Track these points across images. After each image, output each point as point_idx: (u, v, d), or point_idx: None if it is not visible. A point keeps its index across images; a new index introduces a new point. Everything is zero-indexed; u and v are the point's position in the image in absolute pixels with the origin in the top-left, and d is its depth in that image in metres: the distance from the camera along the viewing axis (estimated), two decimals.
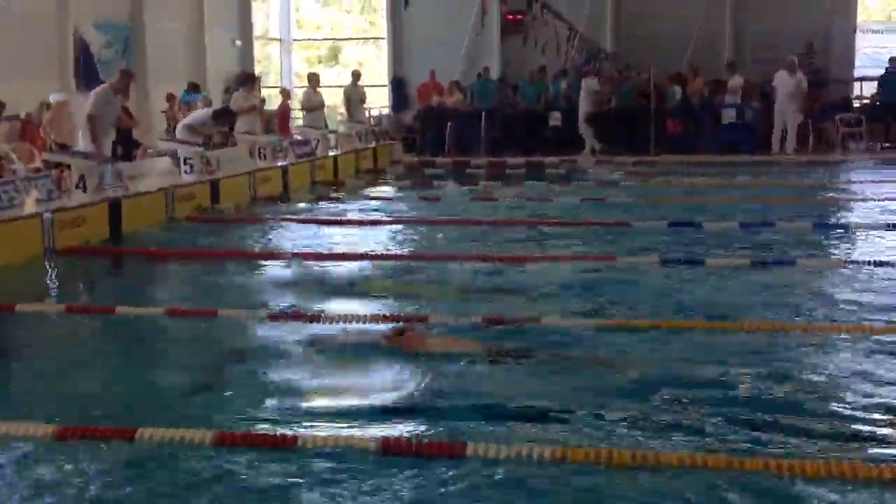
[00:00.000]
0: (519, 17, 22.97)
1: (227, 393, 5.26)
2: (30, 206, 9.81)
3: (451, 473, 4.08)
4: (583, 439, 4.42)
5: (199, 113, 14.25)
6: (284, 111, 20.84)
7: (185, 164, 13.10)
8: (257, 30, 26.34)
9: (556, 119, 21.35)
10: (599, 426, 4.60)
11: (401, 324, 6.22)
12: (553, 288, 7.85)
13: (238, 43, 24.84)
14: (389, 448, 4.27)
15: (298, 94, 27.05)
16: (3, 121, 13.27)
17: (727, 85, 21.01)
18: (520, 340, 6.14)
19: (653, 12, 24.26)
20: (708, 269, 8.34)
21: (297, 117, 21.45)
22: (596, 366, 5.64)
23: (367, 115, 22.35)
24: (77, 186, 10.82)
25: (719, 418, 4.64)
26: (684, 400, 4.91)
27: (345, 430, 4.57)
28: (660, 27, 23.99)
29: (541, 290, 7.78)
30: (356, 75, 20.68)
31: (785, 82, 19.67)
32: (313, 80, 19.06)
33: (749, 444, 4.33)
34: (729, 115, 20.83)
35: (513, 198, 14.02)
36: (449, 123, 21.77)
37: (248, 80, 16.77)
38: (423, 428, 4.64)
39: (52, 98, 14.45)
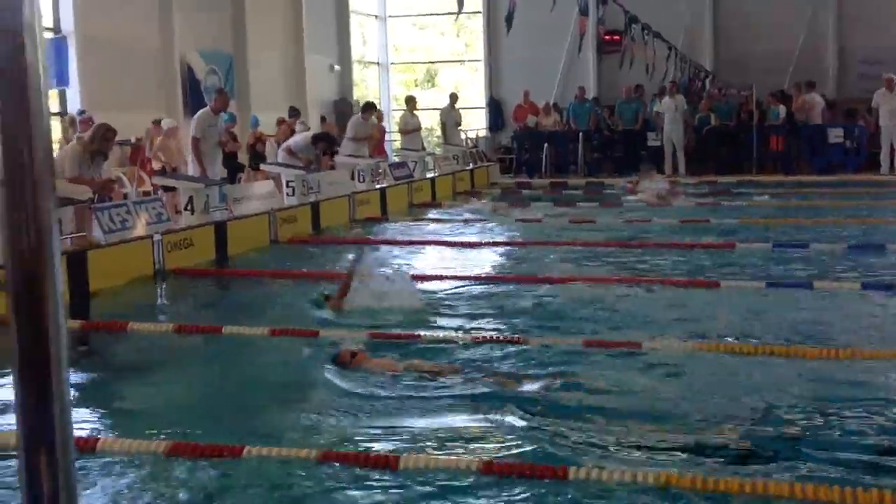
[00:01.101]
0: (616, 37, 22.82)
1: (330, 411, 5.32)
2: (141, 229, 10.15)
3: (553, 496, 4.05)
4: (687, 466, 4.34)
5: (300, 137, 14.57)
6: (380, 134, 21.14)
7: (287, 186, 13.38)
8: (355, 54, 26.82)
9: (654, 139, 21.12)
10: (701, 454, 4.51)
11: (355, 347, 6.20)
12: (653, 312, 7.73)
13: (337, 68, 25.33)
14: (492, 469, 4.27)
15: (396, 117, 27.48)
16: (115, 146, 13.77)
17: (800, 103, 20.49)
18: (617, 365, 6.07)
19: (753, 30, 23.90)
20: (816, 293, 8.11)
21: (395, 140, 21.69)
22: (702, 393, 5.52)
23: (463, 137, 22.48)
24: (185, 209, 11.15)
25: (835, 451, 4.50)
26: (788, 429, 4.78)
27: (446, 451, 4.58)
28: (761, 45, 23.60)
29: (640, 314, 7.67)
30: (453, 98, 20.81)
31: (886, 100, 19.06)
32: (411, 103, 19.27)
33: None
34: (835, 134, 20.28)
35: (610, 219, 13.89)
36: (545, 144, 21.75)
37: (369, 108, 17.06)
38: (524, 449, 4.62)
39: (164, 124, 14.96)
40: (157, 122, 14.96)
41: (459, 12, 15.38)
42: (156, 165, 14.01)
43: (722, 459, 4.43)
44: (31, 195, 1.39)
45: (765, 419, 4.93)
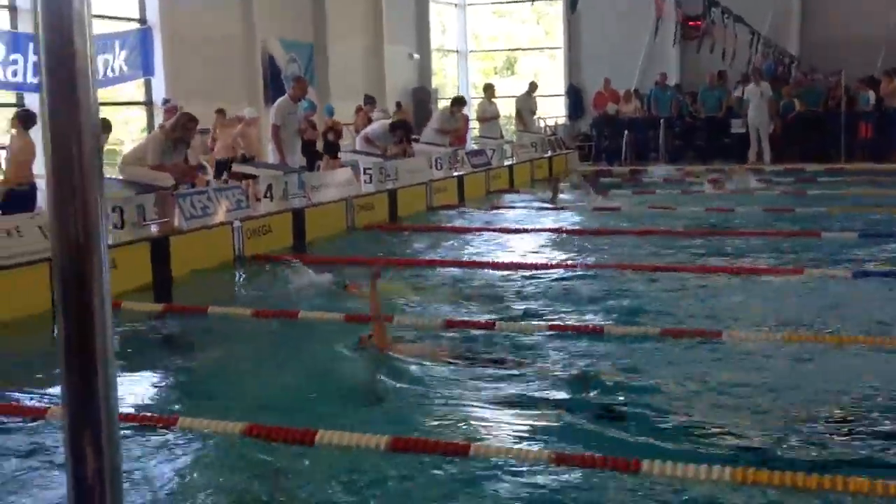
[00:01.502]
0: (698, 22, 22.35)
1: (404, 398, 5.33)
2: (221, 215, 10.31)
3: (625, 489, 3.99)
4: (766, 462, 4.22)
5: (377, 125, 14.62)
6: (464, 127, 21.08)
7: (364, 174, 13.45)
8: (434, 42, 26.81)
9: (738, 126, 20.65)
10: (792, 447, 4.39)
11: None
12: (737, 301, 7.57)
13: (416, 56, 25.36)
14: (561, 459, 4.22)
15: (474, 105, 27.43)
16: (197, 134, 14.02)
17: (890, 89, 19.75)
18: (696, 356, 5.95)
19: (842, 14, 23.15)
20: None
21: (474, 128, 21.65)
22: (785, 385, 5.38)
23: (540, 124, 22.30)
24: (265, 196, 11.29)
25: None
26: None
27: (516, 439, 4.55)
28: (850, 29, 22.85)
29: (723, 302, 7.52)
30: (532, 87, 20.60)
31: None
32: (489, 90, 19.16)
33: None
34: None
35: (692, 207, 13.64)
36: (626, 131, 21.46)
37: (458, 102, 17.10)
38: (596, 440, 4.56)
39: (246, 112, 15.17)
40: (221, 112, 15.15)
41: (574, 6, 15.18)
42: (222, 154, 14.22)
43: (803, 455, 4.30)
44: (79, 187, 1.39)
45: (848, 413, 4.78)
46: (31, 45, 13.57)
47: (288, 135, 12.12)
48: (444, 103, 22.36)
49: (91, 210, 1.41)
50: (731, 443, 4.49)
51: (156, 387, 5.70)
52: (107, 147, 13.13)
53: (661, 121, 21.26)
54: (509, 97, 23.94)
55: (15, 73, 13.60)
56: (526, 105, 20.33)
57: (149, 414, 5.00)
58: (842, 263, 8.77)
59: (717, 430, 4.65)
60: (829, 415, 4.77)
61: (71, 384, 1.41)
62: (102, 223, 1.43)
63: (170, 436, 4.67)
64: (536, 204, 14.90)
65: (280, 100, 12.51)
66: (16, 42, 13.64)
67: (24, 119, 11.17)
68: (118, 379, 4.80)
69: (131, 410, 5.05)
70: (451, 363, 5.85)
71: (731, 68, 21.47)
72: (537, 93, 20.82)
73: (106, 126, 13.06)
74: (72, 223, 1.40)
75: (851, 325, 6.62)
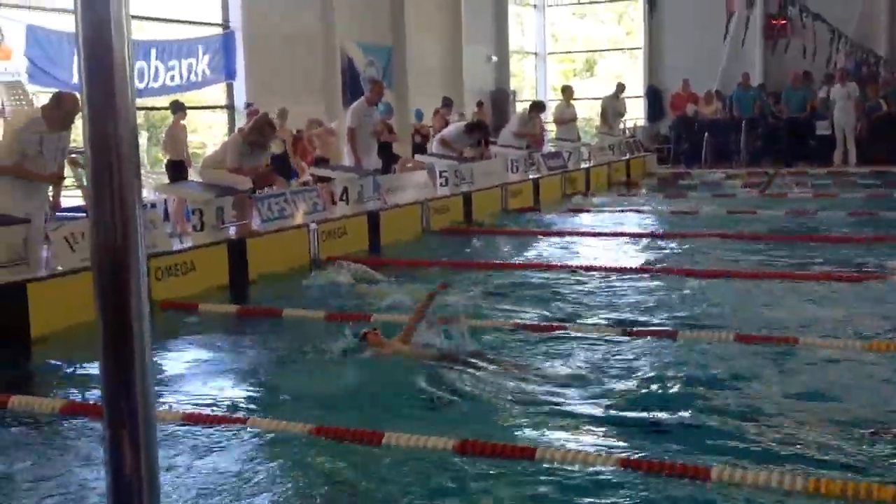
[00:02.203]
0: (782, 21, 21.89)
1: (471, 402, 5.33)
2: (298, 218, 10.47)
3: (695, 496, 3.94)
4: (841, 472, 4.13)
5: (453, 127, 14.67)
6: (541, 131, 21.01)
7: (440, 177, 13.51)
8: (513, 44, 26.78)
9: (823, 127, 20.14)
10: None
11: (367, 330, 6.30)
12: (815, 307, 7.40)
13: (494, 58, 25.37)
14: (628, 465, 4.19)
15: (552, 108, 27.35)
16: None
17: None
18: (772, 362, 5.84)
19: None
20: None
21: (551, 130, 21.55)
22: (862, 394, 5.25)
23: (622, 126, 22.09)
24: (340, 199, 11.43)
25: None
26: None
27: (583, 444, 4.53)
28: None
29: (801, 309, 7.36)
30: (620, 88, 20.32)
31: None
32: (567, 92, 19.01)
33: None
34: None
35: (772, 210, 13.36)
36: (706, 134, 21.12)
37: (537, 107, 17.11)
38: (666, 446, 4.51)
39: (334, 125, 15.35)
40: (316, 122, 15.32)
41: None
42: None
43: (878, 465, 4.19)
44: (118, 192, 1.43)
45: None
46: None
47: (363, 138, 12.22)
48: (522, 106, 22.33)
49: (129, 215, 1.45)
50: (806, 452, 4.39)
51: (229, 387, 5.80)
52: (191, 150, 13.48)
53: (743, 122, 20.87)
54: (589, 99, 23.78)
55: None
56: (612, 106, 20.05)
57: (221, 414, 5.11)
58: None
59: (791, 438, 4.56)
60: None
61: (110, 386, 1.45)
62: (140, 228, 1.47)
63: (242, 435, 4.77)
64: (612, 207, 14.76)
65: (356, 103, 12.63)
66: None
67: (173, 108, 13.40)
68: (193, 379, 4.92)
69: (205, 410, 5.17)
70: (520, 365, 5.85)
71: (814, 67, 20.96)
72: (623, 95, 20.53)
73: (179, 106, 13.46)
74: (110, 227, 1.44)
75: None
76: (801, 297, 7.79)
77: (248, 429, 4.82)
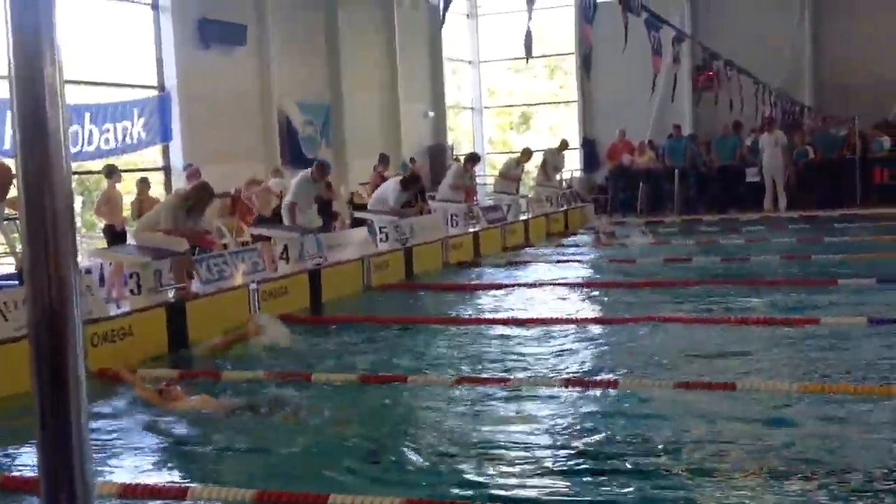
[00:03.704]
0: (710, 73, 22.54)
1: (416, 458, 5.32)
2: (238, 278, 10.40)
3: None
4: None
5: (389, 183, 14.74)
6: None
7: (380, 232, 13.54)
8: (449, 100, 27.11)
9: (753, 175, 20.66)
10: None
11: (163, 383, 6.70)
12: (751, 350, 7.55)
13: (431, 114, 25.64)
14: None
15: (491, 160, 27.65)
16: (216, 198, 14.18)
17: None
18: (711, 408, 5.93)
19: (854, 61, 23.30)
20: None
21: (489, 183, 21.77)
22: (803, 437, 5.35)
23: (559, 176, 22.43)
24: (281, 258, 11.39)
25: None
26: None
27: (532, 494, 4.54)
28: (862, 75, 22.98)
29: (737, 352, 7.50)
30: (564, 144, 20.78)
31: None
32: (525, 155, 19.23)
33: None
34: None
35: (706, 257, 13.62)
36: (640, 183, 21.52)
37: (473, 159, 17.30)
38: (609, 494, 4.55)
39: (272, 185, 15.30)
40: (255, 181, 15.28)
41: (529, 54, 15.46)
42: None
43: None
44: (53, 257, 1.44)
45: (864, 465, 4.73)
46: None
47: (303, 209, 12.27)
48: (460, 160, 22.55)
49: (65, 282, 1.45)
50: (746, 497, 4.45)
51: (168, 455, 5.71)
52: (127, 213, 13.32)
53: (676, 171, 21.32)
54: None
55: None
56: (553, 160, 20.47)
57: (160, 484, 5.02)
58: (858, 311, 8.73)
59: (731, 483, 4.62)
60: (845, 467, 4.73)
61: (47, 458, 1.44)
62: (76, 296, 1.47)
63: None
64: (551, 257, 14.92)
65: (301, 177, 12.57)
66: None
67: (107, 172, 13.07)
68: (131, 448, 4.82)
69: (144, 481, 5.07)
70: (466, 418, 5.86)
71: (743, 117, 21.57)
72: (566, 150, 20.93)
73: (112, 170, 13.35)
74: (46, 293, 1.44)
75: (866, 373, 6.59)
76: (738, 341, 7.93)
77: (188, 500, 4.74)
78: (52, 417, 1.45)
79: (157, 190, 17.82)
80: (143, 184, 13.52)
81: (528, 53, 15.43)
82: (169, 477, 5.22)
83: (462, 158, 18.34)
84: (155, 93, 16.91)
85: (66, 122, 1.47)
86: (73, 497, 1.45)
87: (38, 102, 1.43)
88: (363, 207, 16.19)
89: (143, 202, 12.91)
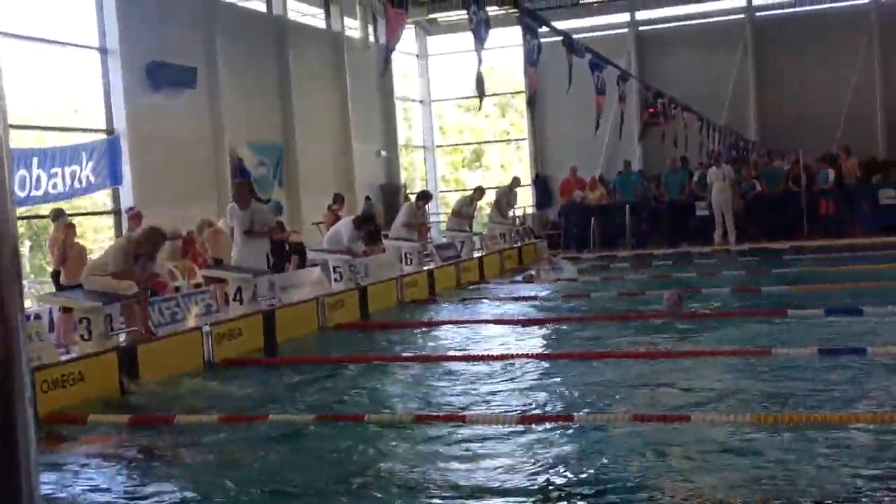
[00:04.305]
0: (651, 110, 22.98)
1: (376, 496, 5.28)
2: (191, 321, 10.28)
3: None
4: None
5: (342, 223, 14.72)
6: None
7: (334, 272, 13.50)
8: (401, 139, 27.26)
9: (702, 208, 20.98)
10: None
11: None
12: (704, 383, 7.62)
13: (383, 153, 25.74)
14: None
15: (444, 198, 27.79)
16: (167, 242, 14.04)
17: (840, 169, 20.36)
18: (669, 438, 5.97)
19: (799, 94, 23.89)
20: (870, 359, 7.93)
21: (443, 221, 21.86)
22: (766, 470, 5.39)
23: (511, 214, 22.62)
24: (234, 299, 11.29)
25: None
26: None
27: None
28: (807, 108, 23.57)
29: (691, 384, 7.57)
30: (516, 182, 21.15)
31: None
32: (478, 192, 19.45)
33: None
34: (888, 196, 20.01)
35: (659, 290, 13.75)
36: (592, 218, 21.74)
37: (424, 196, 17.36)
38: None
39: (221, 224, 15.21)
40: (207, 223, 15.21)
41: (481, 97, 15.69)
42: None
43: None
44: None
45: (822, 495, 4.79)
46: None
47: (237, 237, 12.24)
48: (412, 198, 22.63)
49: (12, 329, 1.43)
50: None
51: (122, 499, 5.60)
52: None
53: (627, 206, 21.58)
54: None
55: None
56: (506, 198, 20.77)
57: None
58: (807, 341, 8.86)
59: None
60: (799, 496, 4.77)
61: None
62: (23, 343, 1.45)
63: None
64: (506, 293, 14.97)
65: (230, 205, 12.66)
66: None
67: (53, 215, 13.27)
68: (83, 495, 4.72)
69: None
70: (426, 457, 5.83)
71: (687, 153, 21.96)
72: (507, 184, 21.15)
73: (59, 213, 13.12)
74: None
75: (819, 402, 6.68)
76: (692, 373, 8.00)
77: None
78: (1, 465, 1.42)
79: (107, 234, 17.67)
80: (70, 228, 12.90)
81: (481, 96, 15.62)
82: None
83: (413, 197, 18.40)
84: (104, 136, 16.78)
85: (10, 167, 1.46)
86: None
87: None
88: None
89: (66, 246, 12.48)
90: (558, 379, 8.28)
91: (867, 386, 7.12)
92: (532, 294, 14.83)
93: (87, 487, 5.79)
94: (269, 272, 12.32)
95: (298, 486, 5.55)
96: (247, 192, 12.58)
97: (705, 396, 7.17)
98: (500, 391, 7.87)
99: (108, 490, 5.79)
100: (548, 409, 7.11)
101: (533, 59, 16.77)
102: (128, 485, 5.91)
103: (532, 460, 5.75)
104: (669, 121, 22.01)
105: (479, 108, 20.16)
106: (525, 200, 26.39)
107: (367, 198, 22.77)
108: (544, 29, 17.38)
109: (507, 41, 24.75)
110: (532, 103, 18.94)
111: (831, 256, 16.63)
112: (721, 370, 8.08)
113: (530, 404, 7.29)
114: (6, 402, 1.42)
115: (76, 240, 13.02)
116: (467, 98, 30.11)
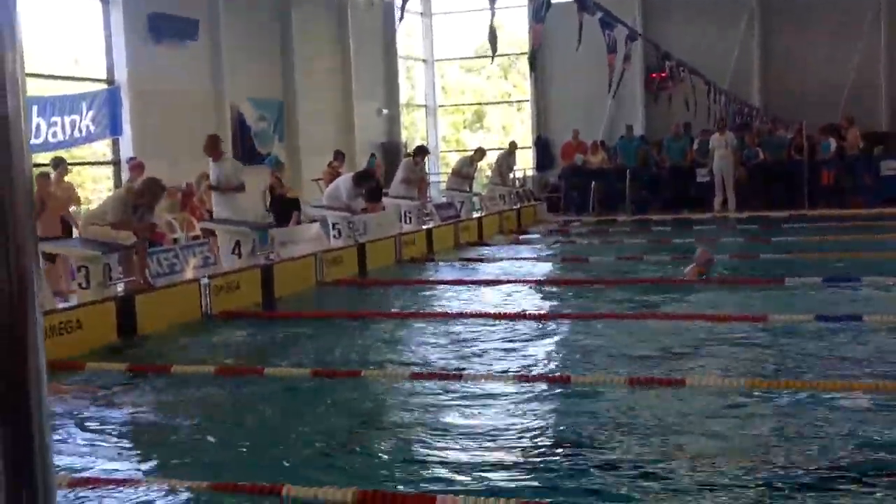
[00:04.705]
0: (663, 74, 22.80)
1: (370, 451, 5.32)
2: (189, 273, 10.29)
3: None
4: None
5: (342, 179, 14.67)
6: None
7: (333, 229, 13.48)
8: (403, 97, 27.10)
9: (703, 175, 20.93)
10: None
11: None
12: (700, 348, 7.64)
13: (385, 112, 25.60)
14: None
15: (445, 158, 27.69)
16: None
17: (843, 140, 20.31)
18: (665, 402, 6.00)
19: (802, 64, 23.71)
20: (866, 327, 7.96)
21: (443, 181, 21.83)
22: (752, 430, 5.43)
23: (512, 175, 22.60)
24: (233, 252, 11.29)
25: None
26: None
27: (482, 491, 4.55)
28: (811, 79, 23.41)
29: (687, 349, 7.59)
30: (513, 146, 21.30)
31: None
32: (479, 153, 19.46)
33: None
34: (889, 167, 19.95)
35: (657, 256, 13.76)
36: (593, 182, 21.69)
37: (421, 152, 17.28)
38: (566, 487, 4.58)
39: None
40: (205, 176, 15.14)
41: (494, 56, 15.56)
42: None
43: (769, 497, 4.34)
44: (13, 249, 1.41)
45: (810, 459, 4.82)
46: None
47: (219, 192, 12.19)
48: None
49: (27, 274, 1.41)
50: (692, 487, 4.51)
51: (119, 448, 5.63)
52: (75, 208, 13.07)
53: (628, 171, 21.52)
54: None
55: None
56: (506, 162, 20.90)
57: (111, 477, 4.95)
58: (805, 308, 8.88)
59: (680, 475, 4.67)
60: (793, 460, 4.80)
61: (6, 450, 1.41)
62: (36, 285, 1.44)
63: (135, 497, 4.62)
64: (504, 254, 14.97)
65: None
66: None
67: (54, 164, 12.70)
68: (82, 440, 4.75)
69: (94, 474, 5.00)
70: (422, 412, 5.86)
71: (694, 119, 21.84)
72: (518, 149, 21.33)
73: (59, 162, 12.90)
74: (5, 286, 1.40)
75: (813, 369, 6.71)
76: (688, 337, 8.01)
77: (141, 491, 4.68)
78: (13, 412, 1.42)
79: (106, 184, 17.61)
80: (44, 178, 12.05)
81: (494, 50, 15.48)
82: (119, 469, 5.14)
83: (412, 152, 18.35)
84: (104, 86, 16.67)
85: (25, 113, 1.44)
86: (34, 489, 1.42)
87: None
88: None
89: (43, 198, 11.58)
90: (555, 339, 8.30)
91: (861, 354, 7.14)
92: (530, 255, 14.84)
93: (82, 438, 5.81)
94: (268, 226, 12.30)
95: (292, 439, 5.58)
96: (215, 144, 12.43)
97: (700, 361, 7.19)
98: (496, 350, 7.89)
99: (101, 437, 5.81)
100: (543, 369, 7.14)
101: (540, 15, 16.61)
102: (122, 433, 5.94)
103: (526, 419, 5.77)
104: (678, 84, 21.87)
105: (492, 61, 20.02)
106: (525, 163, 26.29)
107: (373, 155, 22.69)
108: None
109: (514, 1, 24.53)
110: (534, 60, 18.77)
111: (832, 226, 16.62)
112: (717, 335, 8.09)
113: (526, 364, 7.31)
114: (19, 348, 1.42)
115: (52, 189, 12.22)
116: (471, 59, 29.96)
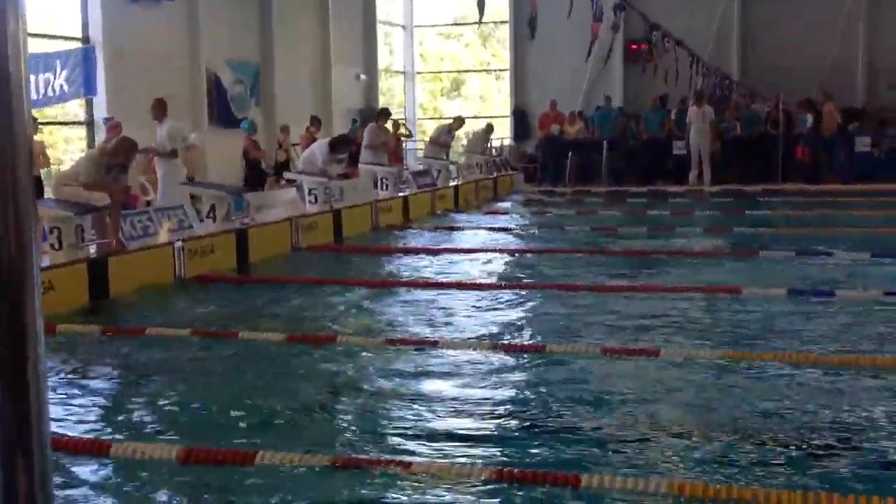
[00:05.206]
0: (643, 45, 22.75)
1: (343, 417, 5.33)
2: (163, 236, 10.20)
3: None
4: (702, 474, 4.30)
5: (317, 144, 14.57)
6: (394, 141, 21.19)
7: (309, 194, 13.41)
8: (381, 63, 26.90)
9: (679, 148, 20.97)
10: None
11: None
12: (671, 320, 7.68)
13: (363, 77, 25.41)
14: (503, 476, 4.24)
15: (422, 126, 27.58)
16: (139, 154, 13.84)
17: (820, 115, 20.42)
18: (638, 372, 6.04)
19: (782, 39, 23.73)
20: (838, 302, 8.03)
21: (419, 148, 21.76)
22: (721, 401, 5.48)
23: (488, 145, 22.58)
24: (208, 216, 11.20)
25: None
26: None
27: (456, 457, 4.57)
28: (789, 54, 23.43)
29: (661, 320, 7.63)
30: (489, 128, 21.40)
31: None
32: (457, 122, 19.41)
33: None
34: (863, 143, 20.08)
35: (632, 228, 13.81)
36: (570, 153, 21.68)
37: (383, 114, 17.18)
38: (540, 455, 4.60)
39: (192, 139, 15.01)
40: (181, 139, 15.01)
41: (480, 21, 15.49)
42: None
43: (739, 468, 4.38)
44: (12, 206, 1.38)
45: (780, 428, 4.87)
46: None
47: (158, 156, 12.15)
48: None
49: (24, 228, 1.39)
50: (667, 456, 4.55)
51: (92, 411, 5.60)
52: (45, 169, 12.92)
53: (605, 143, 21.52)
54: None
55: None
56: (481, 142, 21.10)
57: (83, 439, 4.92)
58: (777, 282, 8.94)
59: (655, 444, 4.71)
60: (763, 431, 4.85)
61: (3, 400, 1.39)
62: (35, 243, 1.42)
63: (104, 463, 4.60)
64: (480, 224, 14.97)
65: None
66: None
67: None
68: (55, 401, 4.70)
69: (66, 437, 4.96)
70: (395, 379, 5.87)
71: (675, 91, 21.83)
72: (484, 113, 21.28)
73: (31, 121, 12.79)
74: (4, 242, 1.38)
75: (786, 341, 6.77)
76: (662, 309, 8.06)
77: (111, 455, 4.65)
78: (13, 370, 1.40)
79: (79, 144, 17.39)
80: None
81: (481, 14, 15.39)
82: (93, 431, 5.11)
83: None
84: (79, 45, 16.41)
85: (27, 74, 1.41)
86: (30, 449, 1.41)
87: None
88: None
89: None
90: (529, 308, 8.32)
91: (834, 327, 7.22)
92: (506, 225, 14.85)
93: (54, 399, 5.77)
94: (244, 190, 12.23)
95: (266, 402, 5.56)
96: (159, 106, 12.46)
97: (674, 331, 7.24)
98: (471, 318, 7.90)
99: (73, 400, 5.77)
100: (518, 338, 7.15)
101: None
102: (94, 395, 5.90)
103: (499, 388, 5.79)
104: (662, 55, 21.85)
105: (479, 25, 19.94)
106: (503, 132, 26.24)
107: (354, 120, 22.55)
108: None
109: None
110: (532, 25, 18.73)
111: (804, 201, 16.73)
112: (691, 307, 8.14)
113: (501, 332, 7.33)
114: (18, 309, 1.40)
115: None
116: (450, 25, 29.77)
